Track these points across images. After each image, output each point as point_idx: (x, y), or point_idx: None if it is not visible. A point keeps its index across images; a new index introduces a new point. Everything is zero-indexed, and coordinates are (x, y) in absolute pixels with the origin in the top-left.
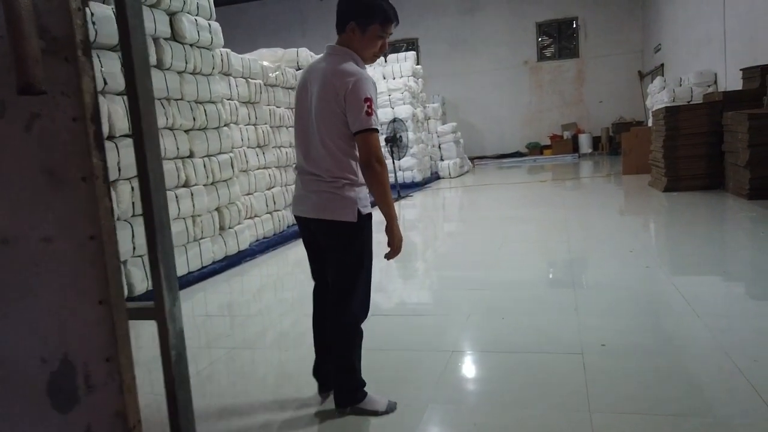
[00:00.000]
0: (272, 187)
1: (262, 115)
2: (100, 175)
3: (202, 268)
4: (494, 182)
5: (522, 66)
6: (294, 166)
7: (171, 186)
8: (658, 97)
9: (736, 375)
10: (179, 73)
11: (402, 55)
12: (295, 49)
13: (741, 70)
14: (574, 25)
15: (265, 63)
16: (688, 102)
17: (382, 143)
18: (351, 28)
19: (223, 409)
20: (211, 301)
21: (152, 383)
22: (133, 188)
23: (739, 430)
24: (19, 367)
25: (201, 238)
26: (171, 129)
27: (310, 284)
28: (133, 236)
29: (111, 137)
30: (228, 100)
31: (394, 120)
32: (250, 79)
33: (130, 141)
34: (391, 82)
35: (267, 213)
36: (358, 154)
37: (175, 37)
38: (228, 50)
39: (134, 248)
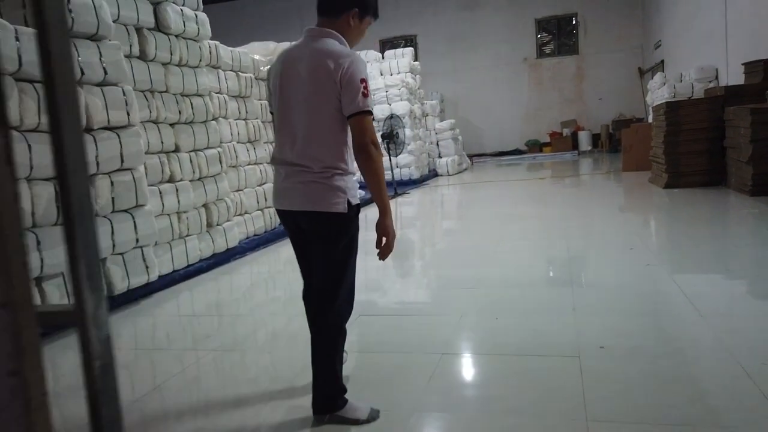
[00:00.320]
0: (263, 184)
1: (253, 109)
2: (2, 156)
3: (188, 266)
4: (493, 179)
5: (521, 63)
6: (272, 158)
7: (155, 181)
8: (658, 93)
9: (743, 379)
10: (164, 64)
11: (399, 51)
12: (288, 43)
13: (743, 64)
14: (574, 22)
15: (257, 56)
16: (689, 97)
17: (378, 139)
18: (352, 14)
19: (204, 412)
20: (197, 300)
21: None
22: (113, 183)
23: None
24: None
25: (187, 236)
26: (155, 122)
27: (301, 283)
28: (112, 233)
29: (89, 130)
30: (217, 93)
31: (391, 116)
32: (240, 73)
33: (108, 134)
34: (389, 78)
35: (258, 210)
36: (349, 139)
37: (160, 27)
38: (217, 42)
39: (114, 245)
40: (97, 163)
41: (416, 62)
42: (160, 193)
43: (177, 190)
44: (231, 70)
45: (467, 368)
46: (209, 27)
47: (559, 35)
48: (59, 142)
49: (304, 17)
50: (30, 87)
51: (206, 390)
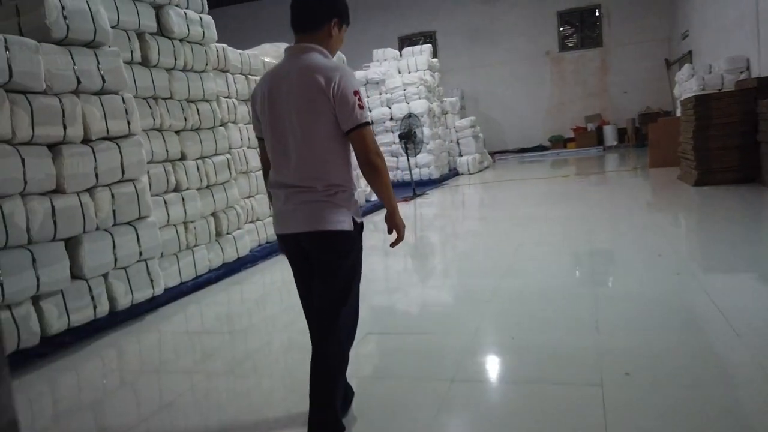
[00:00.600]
0: None
1: None
2: None
3: (197, 277)
4: (514, 178)
5: (543, 57)
6: (269, 182)
7: (160, 191)
8: (686, 85)
9: None
10: (168, 70)
11: (417, 48)
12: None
13: None
14: (597, 13)
15: (267, 59)
16: (719, 90)
17: (396, 140)
18: (333, 24)
19: None
20: (205, 314)
21: None
22: (113, 195)
23: None
24: None
25: (195, 246)
26: (159, 130)
27: None
28: (114, 247)
29: (86, 141)
30: (225, 98)
31: (409, 115)
32: (249, 76)
33: (107, 145)
34: (407, 76)
35: (270, 216)
36: (349, 154)
37: (163, 31)
38: (225, 45)
39: (116, 260)
40: (97, 175)
41: (435, 59)
42: (165, 203)
43: (183, 200)
44: (240, 74)
45: (478, 399)
46: (215, 30)
47: (582, 27)
48: None
49: None
50: (22, 98)
51: (208, 416)
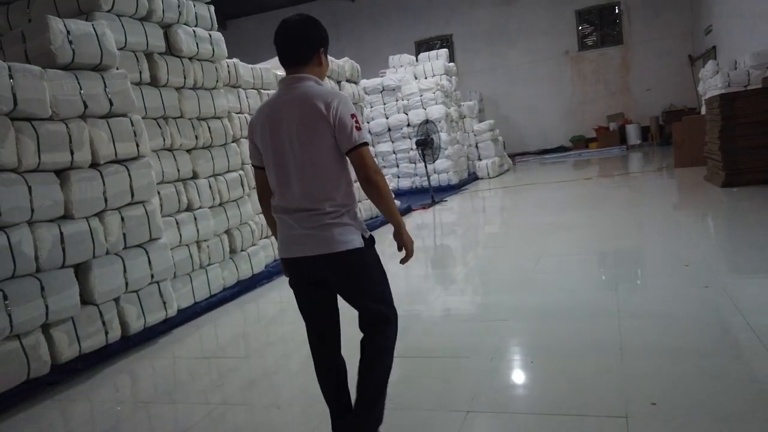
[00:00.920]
0: None
1: None
2: None
3: (211, 296)
4: (535, 181)
5: (563, 56)
6: (273, 208)
7: (171, 211)
8: (711, 82)
9: None
10: (177, 89)
11: (433, 53)
12: None
13: None
14: (617, 11)
15: (280, 72)
16: (745, 87)
17: (414, 146)
18: (320, 53)
19: None
20: (220, 334)
21: None
22: (123, 218)
23: None
24: None
25: (209, 265)
26: (170, 150)
27: None
28: (125, 270)
29: (95, 165)
30: (237, 113)
31: (426, 122)
32: (262, 90)
33: (116, 168)
34: (423, 81)
35: None
36: (350, 172)
37: (172, 50)
38: (236, 60)
39: (127, 284)
40: (106, 199)
41: (451, 63)
42: (177, 223)
43: (195, 219)
44: (252, 88)
45: None
46: (225, 46)
47: (601, 25)
48: None
49: (339, 24)
50: (27, 125)
51: None
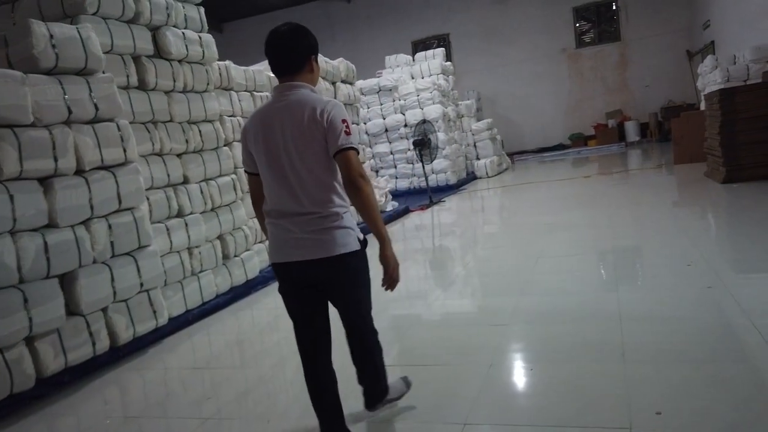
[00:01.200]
0: None
1: None
2: None
3: (203, 304)
4: (534, 180)
5: (560, 54)
6: (268, 213)
7: (161, 217)
8: (710, 77)
9: None
10: (167, 92)
11: (430, 52)
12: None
13: None
14: (614, 7)
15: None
16: (745, 81)
17: (411, 147)
18: (312, 60)
19: None
20: (213, 343)
21: None
22: (110, 226)
23: None
24: None
25: (201, 271)
26: (159, 155)
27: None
28: (112, 279)
29: (80, 171)
30: (229, 116)
31: (423, 122)
32: (255, 92)
33: (102, 174)
34: (419, 81)
35: None
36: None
37: (160, 53)
38: (228, 62)
39: (115, 293)
40: (92, 207)
41: (448, 63)
42: (168, 229)
43: (186, 225)
44: (245, 90)
45: None
46: (215, 48)
47: (598, 22)
48: None
49: (335, 25)
50: (9, 132)
51: None
